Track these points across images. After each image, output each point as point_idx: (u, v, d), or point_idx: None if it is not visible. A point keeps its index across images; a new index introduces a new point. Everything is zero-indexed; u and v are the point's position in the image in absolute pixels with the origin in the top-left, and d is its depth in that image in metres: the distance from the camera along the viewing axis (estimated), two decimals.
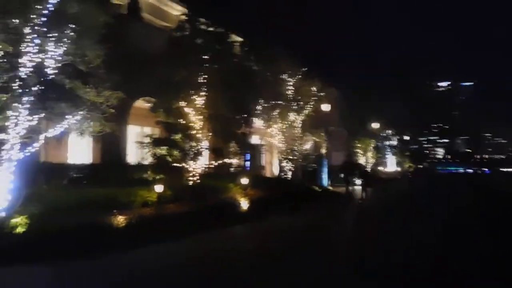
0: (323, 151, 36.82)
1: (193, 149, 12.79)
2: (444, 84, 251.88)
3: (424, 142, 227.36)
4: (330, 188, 19.76)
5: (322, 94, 18.92)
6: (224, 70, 13.58)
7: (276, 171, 24.18)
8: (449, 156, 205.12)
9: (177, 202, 10.55)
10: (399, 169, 44.17)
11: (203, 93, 13.05)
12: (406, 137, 47.22)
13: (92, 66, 8.80)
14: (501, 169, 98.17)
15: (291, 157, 18.67)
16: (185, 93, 12.67)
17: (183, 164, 12.92)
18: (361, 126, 33.91)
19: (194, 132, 12.98)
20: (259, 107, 18.03)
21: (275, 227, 10.95)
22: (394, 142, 42.38)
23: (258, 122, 18.55)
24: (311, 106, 18.93)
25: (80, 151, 14.18)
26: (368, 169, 28.83)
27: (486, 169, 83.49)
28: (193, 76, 12.92)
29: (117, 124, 13.76)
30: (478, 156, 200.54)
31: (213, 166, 16.85)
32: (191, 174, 12.97)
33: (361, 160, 32.63)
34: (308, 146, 20.23)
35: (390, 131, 39.96)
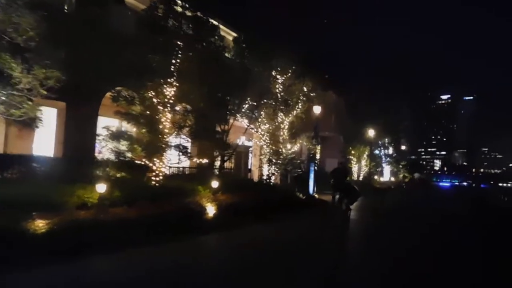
0: (317, 156, 35.67)
1: (158, 146, 11.28)
2: (445, 97, 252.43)
3: (422, 153, 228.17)
4: (316, 196, 18.22)
5: (313, 94, 17.40)
6: (201, 59, 12.13)
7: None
8: (445, 168, 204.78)
9: (127, 205, 9.02)
10: (393, 179, 42.80)
11: (174, 83, 11.57)
12: (403, 147, 45.78)
13: (26, 39, 7.35)
14: (500, 184, 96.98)
15: (275, 161, 17.16)
16: (152, 82, 11.18)
17: (147, 162, 11.45)
18: (357, 133, 32.51)
19: (161, 126, 11.49)
20: (244, 105, 16.59)
21: (237, 240, 9.36)
22: (390, 151, 40.98)
23: (244, 122, 17.08)
24: (301, 107, 17.44)
25: (46, 143, 12.87)
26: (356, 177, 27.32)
27: (483, 184, 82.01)
28: (163, 63, 11.43)
29: (83, 115, 12.46)
30: (474, 170, 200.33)
31: (184, 166, 15.54)
32: (154, 174, 11.48)
33: (354, 168, 31.21)
34: (295, 150, 18.70)
35: (386, 139, 38.56)
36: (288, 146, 17.56)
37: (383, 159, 38.66)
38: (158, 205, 9.72)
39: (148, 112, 11.11)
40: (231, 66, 15.58)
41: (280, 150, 17.31)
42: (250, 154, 22.46)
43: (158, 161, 11.47)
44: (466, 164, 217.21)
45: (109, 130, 10.82)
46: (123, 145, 11.22)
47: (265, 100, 16.83)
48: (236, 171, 20.43)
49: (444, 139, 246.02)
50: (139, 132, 11.22)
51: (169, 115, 11.50)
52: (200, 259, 7.41)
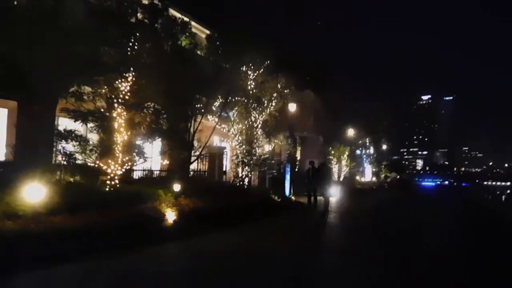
0: (297, 157, 34.83)
1: (110, 146, 10.23)
2: (426, 97, 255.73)
3: (404, 153, 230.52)
4: (293, 198, 17.30)
5: (286, 91, 16.50)
6: (161, 53, 11.15)
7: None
8: (427, 168, 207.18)
9: (69, 213, 7.94)
10: (375, 179, 42.26)
11: (130, 78, 10.53)
12: (384, 146, 45.33)
13: None
14: (485, 183, 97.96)
15: (247, 162, 16.21)
16: (105, 76, 10.12)
17: (100, 164, 10.37)
18: (337, 133, 31.86)
19: (116, 125, 10.44)
20: (215, 103, 15.64)
21: (191, 251, 8.32)
22: (372, 151, 40.45)
23: (214, 121, 16.10)
24: (274, 105, 16.53)
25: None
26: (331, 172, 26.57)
27: (464, 183, 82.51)
28: (118, 56, 10.39)
29: (35, 114, 11.31)
30: (456, 169, 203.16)
31: (154, 169, 14.49)
32: (108, 178, 10.41)
33: (334, 169, 30.45)
34: (269, 150, 17.77)
35: (367, 139, 38.00)
36: (262, 146, 16.61)
37: (364, 159, 38.07)
38: (107, 212, 8.68)
39: (99, 109, 10.04)
40: (199, 62, 14.66)
41: (253, 150, 16.37)
42: (225, 156, 21.49)
43: (113, 163, 10.41)
44: (447, 163, 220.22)
45: (56, 130, 9.73)
46: (75, 146, 10.16)
47: (236, 98, 15.90)
48: (210, 173, 19.40)
49: (426, 139, 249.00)
50: (90, 131, 10.15)
51: (124, 113, 10.44)
52: (144, 275, 6.38)
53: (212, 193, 12.89)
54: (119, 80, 10.39)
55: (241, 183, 16.43)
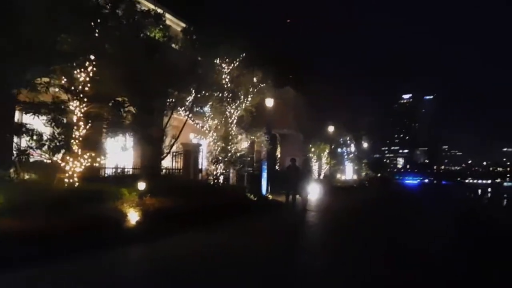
0: (277, 154, 34.28)
1: (66, 141, 9.44)
2: (407, 96, 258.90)
3: (386, 151, 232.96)
4: (270, 196, 16.69)
5: (263, 85, 15.86)
6: (124, 42, 10.38)
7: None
8: (408, 166, 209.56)
9: (17, 214, 7.16)
10: (356, 177, 42.05)
11: (90, 68, 9.75)
12: (365, 144, 45.19)
13: None
14: (467, 181, 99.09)
15: (221, 159, 15.54)
16: (60, 64, 9.32)
17: (57, 161, 9.58)
18: (317, 130, 31.38)
19: (75, 118, 9.66)
20: (188, 97, 14.92)
21: (155, 254, 7.65)
22: (353, 149, 40.17)
23: (187, 116, 15.39)
24: (250, 99, 15.88)
25: None
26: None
27: (444, 181, 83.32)
28: (75, 44, 9.59)
29: None
30: (436, 167, 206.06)
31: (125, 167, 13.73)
32: (67, 175, 9.62)
33: (314, 167, 30.00)
34: (245, 147, 17.10)
35: (348, 137, 37.69)
36: (238, 143, 15.95)
37: (345, 157, 37.74)
38: (60, 213, 7.90)
39: (56, 101, 9.23)
40: (168, 53, 13.96)
41: (228, 147, 15.70)
42: (201, 153, 20.79)
43: (71, 159, 9.62)
44: (427, 161, 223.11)
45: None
46: (29, 142, 9.35)
47: (210, 92, 15.19)
48: (185, 171, 18.65)
49: (407, 138, 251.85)
50: (45, 125, 9.34)
51: (82, 105, 9.66)
52: (93, 283, 5.67)
53: (183, 192, 12.18)
54: (78, 70, 9.61)
55: (215, 181, 15.74)
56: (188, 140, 20.18)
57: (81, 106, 9.54)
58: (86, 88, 9.72)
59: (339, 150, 34.96)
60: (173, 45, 16.22)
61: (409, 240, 10.24)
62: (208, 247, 8.35)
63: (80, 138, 9.55)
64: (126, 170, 14.62)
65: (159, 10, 17.38)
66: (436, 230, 12.62)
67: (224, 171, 15.96)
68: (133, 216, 9.02)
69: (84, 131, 9.55)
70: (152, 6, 18.74)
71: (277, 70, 34.07)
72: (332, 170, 35.03)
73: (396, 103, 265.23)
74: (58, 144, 9.18)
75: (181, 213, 10.24)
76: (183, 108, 15.14)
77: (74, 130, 9.26)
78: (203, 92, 15.03)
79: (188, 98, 15.11)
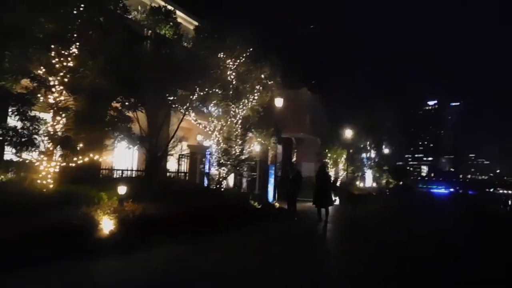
0: (293, 159, 32.87)
1: (43, 137, 8.41)
2: (432, 102, 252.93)
3: (409, 159, 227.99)
4: (277, 204, 15.33)
5: (271, 82, 14.57)
6: (108, 28, 9.29)
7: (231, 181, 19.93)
8: (432, 174, 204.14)
9: None
10: (375, 184, 40.16)
11: (66, 54, 8.70)
12: (386, 150, 43.23)
13: None
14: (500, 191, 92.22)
15: (224, 163, 14.32)
16: (38, 50, 8.30)
17: (30, 159, 8.55)
18: (335, 134, 29.85)
19: (51, 112, 8.64)
20: (192, 96, 13.85)
21: (123, 271, 6.49)
22: (373, 155, 38.33)
23: (191, 116, 14.36)
24: (257, 97, 14.61)
25: None
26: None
27: (470, 191, 79.21)
28: (52, 28, 8.56)
29: None
30: (462, 176, 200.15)
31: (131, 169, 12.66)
32: (40, 176, 8.59)
33: (331, 173, 28.44)
34: (251, 149, 15.80)
35: (368, 142, 35.93)
36: (243, 145, 14.69)
37: (365, 163, 35.96)
38: (21, 219, 6.83)
39: (18, 92, 8.17)
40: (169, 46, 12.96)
41: (232, 149, 14.48)
42: (207, 156, 19.69)
43: (45, 158, 8.59)
44: (453, 170, 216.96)
45: None
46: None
47: (214, 89, 14.04)
48: (191, 175, 17.55)
49: (431, 145, 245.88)
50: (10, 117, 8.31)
51: (61, 98, 8.62)
52: None
53: (176, 197, 11.02)
54: (56, 60, 8.57)
55: (217, 186, 14.52)
56: (195, 142, 19.12)
57: (55, 98, 8.49)
58: (65, 79, 8.70)
59: (358, 155, 33.23)
60: (185, 44, 15.37)
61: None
62: (176, 264, 7.14)
63: (55, 135, 8.49)
64: (125, 172, 13.66)
65: (169, 7, 16.62)
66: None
67: (226, 175, 14.73)
68: (105, 225, 7.86)
69: (58, 125, 8.49)
70: (162, 3, 17.90)
71: (289, 67, 32.86)
72: (351, 177, 33.40)
73: (421, 109, 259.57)
74: (21, 139, 8.11)
75: (166, 222, 9.03)
76: (185, 107, 14.07)
77: (41, 124, 8.17)
78: (206, 89, 13.93)
79: (192, 97, 14.06)
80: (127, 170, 13.88)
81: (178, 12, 19.67)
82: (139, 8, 17.76)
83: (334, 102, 35.01)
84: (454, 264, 8.69)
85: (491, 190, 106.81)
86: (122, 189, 8.83)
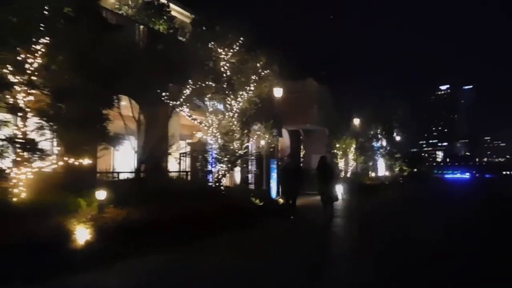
0: (301, 152, 31.92)
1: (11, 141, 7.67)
2: (444, 87, 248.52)
3: (424, 145, 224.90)
4: (281, 200, 14.44)
5: (267, 72, 13.64)
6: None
7: (237, 178, 19.10)
8: (448, 159, 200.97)
9: None
10: (388, 173, 38.93)
11: (37, 51, 7.93)
12: (398, 138, 41.91)
13: None
14: None
15: (220, 159, 13.50)
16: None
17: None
18: (344, 124, 28.80)
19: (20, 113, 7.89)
20: (186, 91, 13.10)
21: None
22: (384, 143, 37.10)
23: (185, 111, 13.59)
24: (253, 88, 13.71)
25: None
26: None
27: (488, 174, 76.38)
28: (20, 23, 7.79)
29: None
30: (478, 159, 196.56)
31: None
32: (11, 184, 7.86)
33: (340, 164, 27.46)
34: (249, 143, 14.93)
35: (378, 130, 34.73)
36: (239, 139, 13.81)
37: (376, 152, 34.76)
38: None
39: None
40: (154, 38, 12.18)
41: (230, 144, 13.64)
42: (210, 153, 18.92)
43: (13, 164, 7.85)
44: (468, 154, 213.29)
45: None
46: None
47: (207, 83, 13.23)
48: (193, 174, 16.79)
49: (445, 130, 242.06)
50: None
51: (30, 98, 7.87)
52: None
53: (171, 198, 10.27)
54: (19, 53, 7.81)
55: (217, 184, 13.71)
56: (196, 139, 18.35)
57: (23, 98, 7.74)
58: (33, 78, 7.94)
59: (368, 144, 32.10)
60: (181, 38, 14.64)
61: None
62: (153, 277, 6.34)
63: (23, 139, 7.74)
64: (120, 174, 12.99)
65: (163, 0, 15.88)
66: None
67: (226, 172, 13.90)
68: (79, 235, 7.09)
69: (27, 129, 7.73)
70: None
71: (295, 58, 31.76)
72: (362, 167, 32.34)
73: (434, 94, 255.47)
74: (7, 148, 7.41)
75: (154, 227, 8.26)
76: (178, 102, 13.30)
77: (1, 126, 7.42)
78: (199, 83, 13.12)
79: (184, 91, 13.28)
80: (119, 172, 13.23)
81: (173, 6, 18.96)
82: (130, 2, 17.05)
83: (343, 91, 33.80)
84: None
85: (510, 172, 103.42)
86: (101, 194, 8.05)
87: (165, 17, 15.97)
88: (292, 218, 12.43)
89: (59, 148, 8.77)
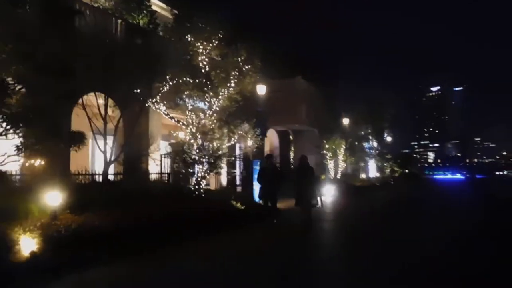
0: (291, 153, 31.13)
1: None
2: (435, 88, 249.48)
3: (415, 146, 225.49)
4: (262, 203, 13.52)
5: (248, 67, 12.80)
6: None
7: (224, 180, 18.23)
8: (439, 160, 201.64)
9: None
10: (379, 175, 38.31)
11: None
12: (389, 138, 41.32)
13: None
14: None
15: (198, 160, 12.65)
16: None
17: None
18: (333, 124, 28.05)
19: None
20: (163, 87, 12.30)
21: None
22: (375, 144, 36.43)
23: (161, 109, 12.78)
24: (233, 85, 12.88)
25: None
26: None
27: (479, 175, 75.58)
28: None
29: None
30: (468, 160, 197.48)
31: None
32: None
33: (330, 165, 26.73)
34: (230, 144, 14.07)
35: (369, 131, 34.05)
36: (218, 139, 12.96)
37: (367, 152, 34.05)
38: None
39: None
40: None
41: (210, 144, 12.81)
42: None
43: None
44: (459, 155, 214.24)
45: None
46: None
47: (185, 78, 12.42)
48: (174, 176, 15.91)
49: (437, 131, 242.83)
50: None
51: None
52: None
53: (141, 202, 9.45)
54: None
55: (196, 187, 12.84)
56: (178, 139, 17.51)
57: None
58: None
59: (359, 145, 31.38)
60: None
61: None
62: None
63: None
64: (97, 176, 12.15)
65: None
66: None
67: (206, 174, 13.06)
68: (24, 246, 6.22)
69: None
70: None
71: (284, 57, 30.97)
72: (352, 168, 31.64)
73: (424, 96, 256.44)
74: None
75: (111, 235, 7.38)
76: (154, 100, 12.48)
77: None
78: (176, 79, 12.31)
79: (161, 88, 12.47)
80: (94, 174, 12.37)
81: (154, 0, 18.13)
82: None
83: (333, 90, 33.08)
84: None
85: (505, 172, 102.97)
86: (53, 199, 7.16)
87: (145, 11, 15.24)
88: (275, 222, 11.52)
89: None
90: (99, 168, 13.73)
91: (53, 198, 7.16)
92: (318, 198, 10.47)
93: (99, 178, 11.96)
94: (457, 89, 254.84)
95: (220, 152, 12.68)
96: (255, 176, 13.68)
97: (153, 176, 14.65)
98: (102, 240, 7.13)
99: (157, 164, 14.75)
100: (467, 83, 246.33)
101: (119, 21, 14.17)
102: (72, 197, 7.93)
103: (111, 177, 13.33)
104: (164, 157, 15.96)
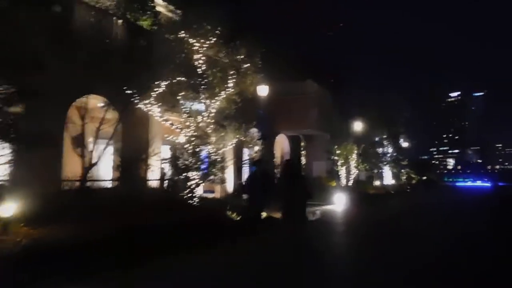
0: (302, 159, 30.03)
1: None
2: (455, 94, 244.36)
3: (434, 152, 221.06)
4: (263, 214, 12.44)
5: (246, 65, 11.85)
6: None
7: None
8: (459, 167, 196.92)
9: None
10: (395, 182, 36.76)
11: None
12: (405, 144, 39.71)
13: None
14: None
15: (190, 166, 11.72)
16: None
17: None
18: (346, 128, 26.82)
19: None
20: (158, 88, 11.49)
21: None
22: (390, 150, 34.93)
23: (154, 110, 11.98)
24: (232, 85, 11.95)
25: None
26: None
27: (501, 182, 71.33)
28: None
29: None
30: (490, 166, 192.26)
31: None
32: None
33: (342, 171, 25.51)
34: (227, 148, 13.09)
35: (385, 136, 32.63)
36: (215, 143, 12.03)
37: (382, 158, 32.55)
38: None
39: None
40: None
41: (205, 148, 11.90)
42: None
43: None
44: (480, 161, 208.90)
45: None
46: None
47: (180, 78, 11.58)
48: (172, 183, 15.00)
49: (456, 137, 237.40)
50: None
51: None
52: None
53: (117, 213, 8.55)
54: None
55: (190, 195, 11.91)
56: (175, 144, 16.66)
57: None
58: None
59: (372, 150, 30.01)
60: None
61: None
62: None
63: None
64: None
65: None
66: None
67: (200, 181, 12.13)
68: None
69: None
70: None
71: (294, 60, 29.98)
72: (366, 175, 30.33)
73: (444, 101, 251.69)
74: None
75: (70, 252, 6.39)
76: (147, 101, 11.68)
77: None
78: (170, 79, 11.48)
79: (155, 88, 11.65)
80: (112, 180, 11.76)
81: (157, 1, 17.42)
82: None
83: (345, 93, 31.87)
84: None
85: None
86: (6, 209, 6.30)
87: (148, 12, 14.60)
88: (266, 236, 10.19)
89: None
90: (102, 174, 13.02)
91: (5, 208, 6.28)
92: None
93: (94, 185, 11.29)
94: (477, 94, 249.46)
95: (215, 158, 11.71)
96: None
97: (150, 183, 13.86)
98: (56, 258, 6.16)
99: (153, 170, 13.94)
100: (488, 88, 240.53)
101: (114, 18, 13.53)
102: (39, 207, 7.09)
103: (108, 184, 12.67)
104: (163, 163, 15.16)
